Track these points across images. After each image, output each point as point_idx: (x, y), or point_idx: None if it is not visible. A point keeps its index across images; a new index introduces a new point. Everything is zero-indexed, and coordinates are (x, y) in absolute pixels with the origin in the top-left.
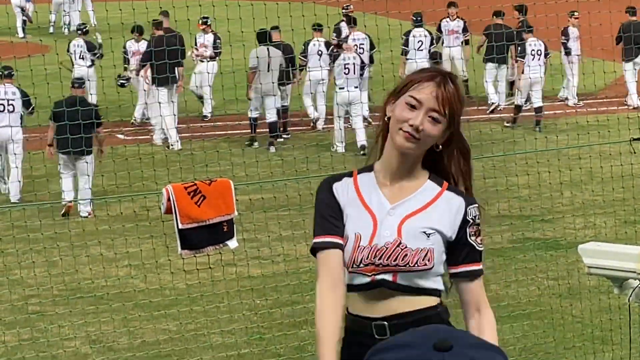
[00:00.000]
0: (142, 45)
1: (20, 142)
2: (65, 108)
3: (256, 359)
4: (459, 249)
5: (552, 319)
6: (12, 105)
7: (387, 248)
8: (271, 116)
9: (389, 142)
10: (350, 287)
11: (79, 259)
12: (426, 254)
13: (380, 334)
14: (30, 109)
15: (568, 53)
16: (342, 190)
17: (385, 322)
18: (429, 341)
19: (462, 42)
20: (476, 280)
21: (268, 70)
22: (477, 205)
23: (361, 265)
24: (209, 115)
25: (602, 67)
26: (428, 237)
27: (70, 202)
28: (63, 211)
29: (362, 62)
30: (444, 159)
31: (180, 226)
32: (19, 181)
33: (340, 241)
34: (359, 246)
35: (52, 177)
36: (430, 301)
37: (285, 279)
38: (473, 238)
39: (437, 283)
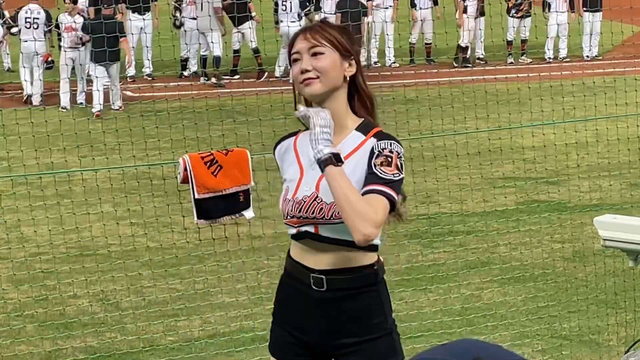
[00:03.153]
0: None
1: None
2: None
3: (265, 318)
4: (365, 179)
5: (558, 281)
6: (36, 23)
7: (304, 202)
8: None
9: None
10: (292, 238)
11: (88, 216)
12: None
13: (318, 285)
14: (49, 27)
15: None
16: (284, 148)
17: (323, 276)
18: (463, 358)
19: (432, 3)
20: (373, 195)
21: None
22: (391, 140)
23: (288, 217)
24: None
25: (610, 28)
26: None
27: (99, 110)
28: (95, 116)
29: None
30: (361, 89)
31: (196, 196)
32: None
33: None
34: (285, 199)
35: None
36: (366, 258)
37: None
38: (378, 167)
39: None
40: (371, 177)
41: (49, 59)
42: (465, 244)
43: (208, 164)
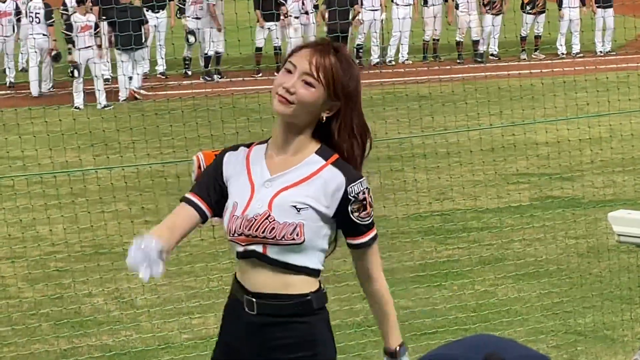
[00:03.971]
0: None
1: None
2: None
3: None
4: (345, 225)
5: (573, 277)
6: (38, 17)
7: (255, 220)
8: None
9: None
10: (235, 253)
11: (103, 215)
12: (294, 228)
13: (249, 308)
14: (50, 21)
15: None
16: (234, 160)
17: (254, 299)
18: (478, 354)
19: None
20: (363, 249)
21: None
22: (360, 180)
23: (235, 234)
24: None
25: (623, 23)
26: (298, 211)
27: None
28: (126, 97)
29: None
30: (334, 135)
31: None
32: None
33: (199, 203)
34: (233, 215)
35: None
36: (305, 285)
37: None
38: (356, 214)
39: (311, 260)
40: (355, 227)
41: (54, 52)
42: (480, 240)
43: None
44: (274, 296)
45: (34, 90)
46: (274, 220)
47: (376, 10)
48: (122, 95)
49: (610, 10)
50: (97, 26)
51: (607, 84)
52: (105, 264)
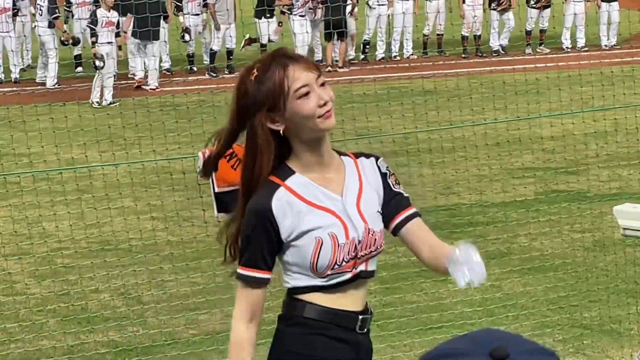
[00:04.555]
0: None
1: (47, 41)
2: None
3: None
4: (391, 203)
5: (578, 271)
6: (41, 11)
7: (364, 238)
8: None
9: (304, 139)
10: (321, 289)
11: (109, 211)
12: (382, 232)
13: (362, 327)
14: (54, 16)
15: None
16: (283, 208)
17: (368, 316)
18: (483, 348)
19: None
20: (416, 220)
21: None
22: (381, 157)
23: (342, 263)
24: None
25: (627, 17)
26: (380, 214)
27: (140, 78)
28: (136, 85)
29: None
30: None
31: (216, 190)
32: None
33: (267, 276)
34: (338, 245)
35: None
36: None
37: None
38: (397, 187)
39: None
40: (400, 198)
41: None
42: (485, 235)
43: (227, 157)
44: (368, 308)
45: (50, 82)
46: (374, 232)
47: (383, 5)
48: (152, 83)
49: (615, 4)
50: (119, 23)
51: (612, 78)
52: (111, 260)
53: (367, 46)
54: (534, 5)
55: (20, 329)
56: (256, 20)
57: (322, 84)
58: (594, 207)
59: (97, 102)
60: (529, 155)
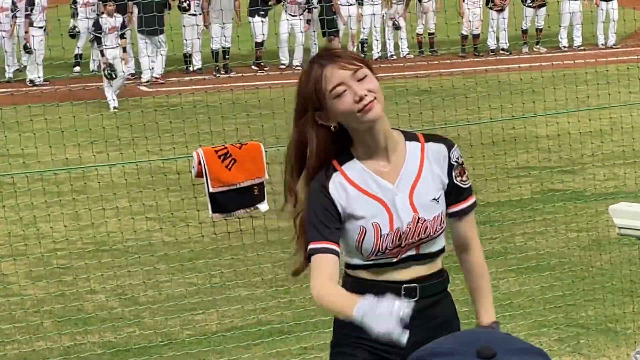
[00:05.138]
0: None
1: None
2: None
3: (282, 311)
4: (450, 191)
5: (575, 270)
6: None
7: (409, 229)
8: None
9: (357, 132)
10: (371, 266)
11: (104, 212)
12: (440, 218)
13: (410, 295)
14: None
15: None
16: (337, 190)
17: (417, 285)
18: (471, 348)
19: None
20: (465, 215)
21: None
22: (455, 145)
23: (386, 251)
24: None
25: (622, 16)
26: (437, 202)
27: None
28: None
29: None
30: None
31: (211, 190)
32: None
33: (336, 248)
34: (381, 235)
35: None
36: (440, 263)
37: None
38: (459, 179)
39: (444, 240)
40: (456, 190)
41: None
42: (482, 234)
43: (222, 157)
44: (431, 276)
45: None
46: (424, 220)
47: (376, 4)
48: (145, 78)
49: (614, 3)
50: (123, 27)
51: (607, 77)
52: (106, 261)
53: (365, 45)
54: (530, 4)
55: (16, 330)
56: (250, 19)
57: (361, 78)
58: (591, 206)
59: (115, 107)
60: (525, 154)
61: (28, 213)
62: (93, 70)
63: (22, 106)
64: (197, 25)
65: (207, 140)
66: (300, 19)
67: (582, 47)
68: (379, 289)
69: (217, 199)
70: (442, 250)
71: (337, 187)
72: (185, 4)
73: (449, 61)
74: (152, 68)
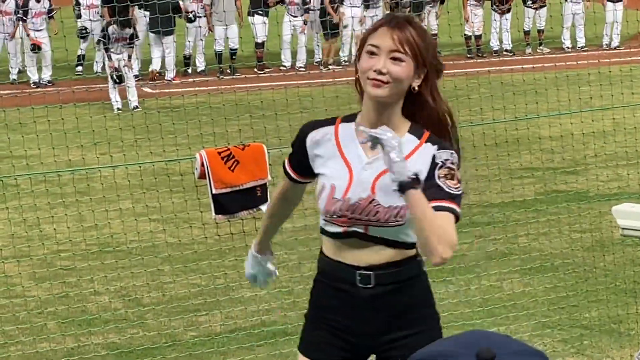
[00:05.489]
0: None
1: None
2: None
3: (285, 312)
4: (427, 191)
5: (579, 271)
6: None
7: (359, 204)
8: None
9: (365, 95)
10: (325, 232)
11: (107, 213)
12: (398, 211)
13: (365, 283)
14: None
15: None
16: (319, 140)
17: (371, 272)
18: (471, 350)
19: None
20: (442, 212)
21: None
22: (451, 151)
23: (334, 216)
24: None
25: (626, 17)
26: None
27: (154, 69)
28: (150, 77)
29: None
30: (427, 101)
31: (214, 191)
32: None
33: (295, 177)
34: (332, 198)
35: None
36: (409, 252)
37: (314, 232)
38: (442, 180)
39: (411, 236)
40: (436, 190)
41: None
42: (486, 235)
43: (225, 159)
44: (389, 265)
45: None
46: (378, 204)
47: (378, 7)
48: (169, 74)
49: (620, 4)
50: (132, 37)
51: (610, 78)
52: (110, 262)
53: None
54: (530, 5)
55: (20, 332)
56: (251, 19)
57: (394, 58)
58: (594, 207)
59: (119, 109)
60: (529, 155)
61: (31, 214)
62: (97, 72)
63: (25, 108)
64: (200, 27)
65: (210, 141)
66: (301, 20)
67: (585, 48)
68: (335, 269)
69: (220, 201)
70: (403, 244)
71: (319, 134)
72: (191, 15)
73: (451, 62)
74: (162, 69)
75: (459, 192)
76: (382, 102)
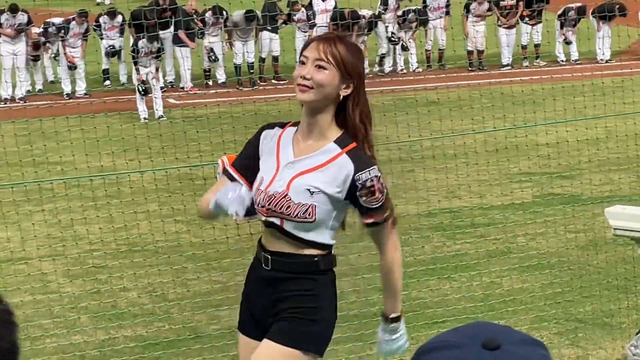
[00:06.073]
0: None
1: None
2: None
3: None
4: (357, 208)
5: (573, 269)
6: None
7: (275, 197)
8: None
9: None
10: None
11: (136, 215)
12: (307, 209)
13: (265, 264)
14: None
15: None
16: (269, 137)
17: (270, 257)
18: (476, 340)
19: (444, 13)
20: (372, 228)
21: None
22: (369, 169)
23: (258, 205)
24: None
25: (617, 32)
26: (312, 194)
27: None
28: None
29: None
30: (348, 111)
31: None
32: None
33: (236, 176)
34: (258, 189)
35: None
36: (313, 251)
37: None
38: (364, 199)
39: (322, 236)
40: (364, 210)
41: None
42: (486, 235)
43: None
44: (287, 255)
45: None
46: (290, 199)
47: (388, 25)
48: (186, 84)
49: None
50: (159, 50)
51: (603, 89)
52: (138, 260)
53: (384, 59)
54: (528, 22)
55: (54, 325)
56: (260, 34)
57: (318, 66)
58: (588, 209)
59: (145, 118)
60: (527, 161)
61: (66, 216)
62: (123, 84)
63: (60, 117)
64: (221, 42)
65: (231, 148)
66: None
67: (579, 62)
68: (258, 249)
69: None
70: (314, 244)
71: (271, 135)
72: (212, 55)
73: (455, 74)
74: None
75: (382, 201)
76: (312, 107)
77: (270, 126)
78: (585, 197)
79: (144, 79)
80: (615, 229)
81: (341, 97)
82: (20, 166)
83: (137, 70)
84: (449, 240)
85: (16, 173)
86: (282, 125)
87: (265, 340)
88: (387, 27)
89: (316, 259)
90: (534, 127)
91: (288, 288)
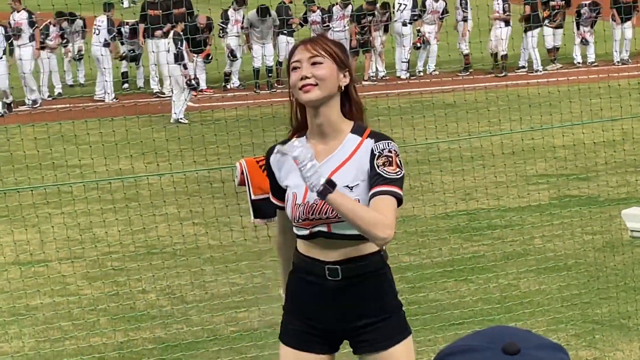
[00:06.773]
0: None
1: (103, 57)
2: None
3: None
4: (370, 180)
5: (590, 270)
6: (97, 30)
7: (315, 205)
8: None
9: (306, 107)
10: (298, 236)
11: (154, 218)
12: None
13: (333, 275)
14: (111, 36)
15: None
16: (280, 160)
17: (338, 266)
18: (496, 344)
19: (462, 18)
20: (377, 197)
21: None
22: (388, 141)
23: (299, 220)
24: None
25: (634, 34)
26: (351, 190)
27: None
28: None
29: None
30: (351, 95)
31: (252, 197)
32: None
33: (280, 204)
34: (295, 204)
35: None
36: (373, 246)
37: None
38: (381, 167)
39: None
40: (376, 178)
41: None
42: (503, 237)
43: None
44: (354, 259)
45: (108, 98)
46: None
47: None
48: (202, 84)
49: (629, 23)
50: (207, 57)
51: (619, 91)
52: (157, 262)
53: (407, 64)
54: (548, 25)
55: (74, 327)
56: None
57: (314, 63)
58: (604, 211)
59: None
60: (543, 163)
61: (85, 219)
62: (140, 87)
63: (79, 121)
64: (240, 45)
65: (248, 151)
66: None
67: (595, 64)
68: (307, 264)
69: (259, 206)
70: (361, 237)
71: (278, 155)
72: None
73: (471, 77)
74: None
75: (399, 176)
76: (319, 105)
77: (273, 149)
78: (601, 199)
79: (192, 74)
80: (631, 230)
81: (342, 87)
82: (39, 169)
83: (184, 66)
84: (466, 242)
85: (36, 176)
86: (284, 143)
87: (382, 353)
88: (418, 29)
89: (381, 252)
90: (551, 129)
91: (365, 290)
